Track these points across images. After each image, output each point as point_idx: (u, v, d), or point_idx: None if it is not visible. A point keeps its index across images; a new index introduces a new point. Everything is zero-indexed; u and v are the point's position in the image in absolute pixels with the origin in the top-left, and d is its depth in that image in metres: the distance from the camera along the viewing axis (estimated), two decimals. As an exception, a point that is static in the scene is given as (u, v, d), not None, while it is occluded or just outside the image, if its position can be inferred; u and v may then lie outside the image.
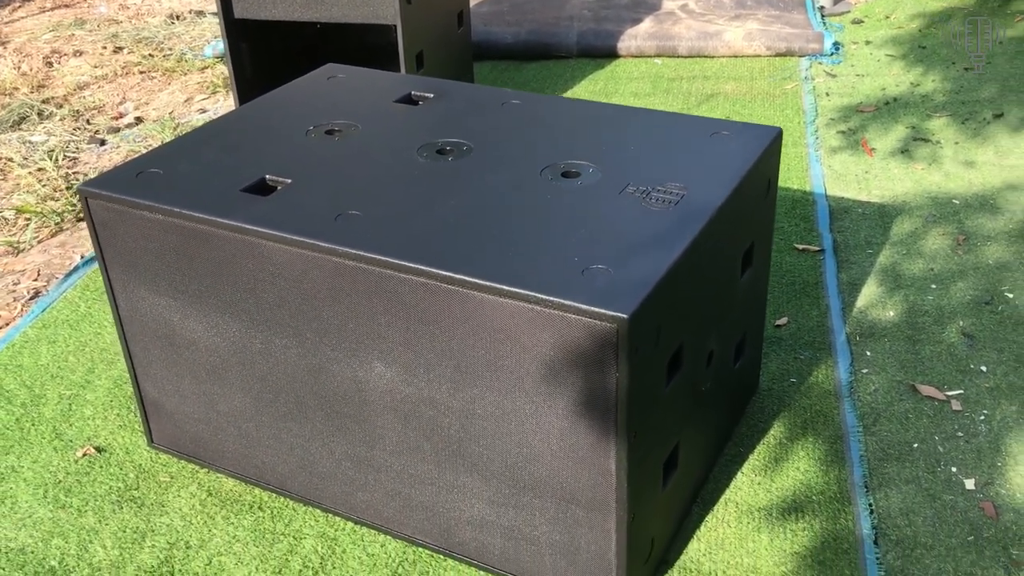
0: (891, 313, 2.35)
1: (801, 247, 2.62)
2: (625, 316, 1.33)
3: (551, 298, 1.38)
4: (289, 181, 1.74)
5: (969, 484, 1.85)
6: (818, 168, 3.06)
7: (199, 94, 4.13)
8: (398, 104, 2.06)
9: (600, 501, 1.51)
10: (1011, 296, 2.38)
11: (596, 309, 1.35)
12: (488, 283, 1.42)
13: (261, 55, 3.38)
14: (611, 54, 4.09)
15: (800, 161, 3.10)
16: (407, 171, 1.76)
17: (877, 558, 1.70)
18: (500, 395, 1.50)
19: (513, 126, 1.93)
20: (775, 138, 1.84)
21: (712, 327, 1.71)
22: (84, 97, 4.15)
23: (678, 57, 4.06)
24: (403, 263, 1.48)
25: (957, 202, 2.82)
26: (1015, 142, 3.15)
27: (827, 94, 3.63)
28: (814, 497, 1.84)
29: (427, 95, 2.08)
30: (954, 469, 1.89)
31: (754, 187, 1.78)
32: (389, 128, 1.95)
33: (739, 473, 1.90)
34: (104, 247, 1.79)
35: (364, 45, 3.63)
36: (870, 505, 1.81)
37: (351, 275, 1.54)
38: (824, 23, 4.28)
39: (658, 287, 1.41)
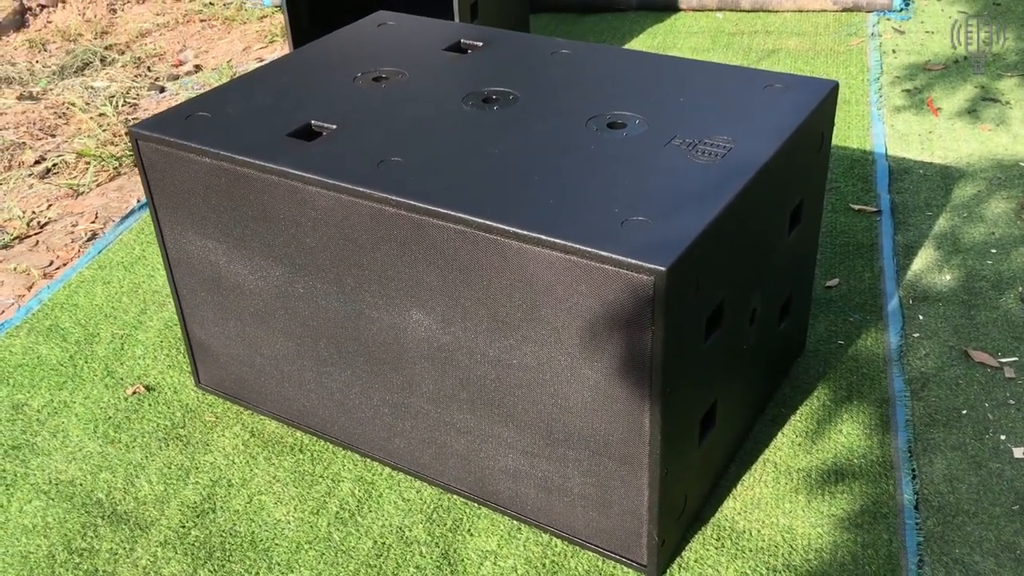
0: (947, 277, 2.29)
1: (857, 207, 2.56)
2: (662, 269, 1.31)
3: (588, 249, 1.36)
4: (334, 127, 1.74)
5: (1018, 453, 1.80)
6: (880, 127, 2.97)
7: (257, 43, 4.15)
8: (447, 52, 2.04)
9: (633, 456, 1.50)
10: (1075, 263, 2.31)
11: (633, 261, 1.33)
12: (526, 232, 1.41)
13: (317, 4, 3.38)
14: (671, 7, 4.01)
15: (861, 120, 3.01)
16: (451, 119, 1.75)
17: (917, 524, 1.67)
18: (536, 346, 1.50)
19: (561, 76, 1.90)
20: (830, 92, 1.79)
21: (756, 284, 1.68)
22: (146, 44, 4.21)
23: (740, 11, 3.96)
24: (442, 210, 1.47)
25: (1024, 165, 2.73)
26: (1090, 104, 3.03)
27: (893, 51, 3.51)
28: (856, 461, 1.81)
29: (476, 43, 2.06)
30: (1003, 437, 1.84)
31: (806, 142, 1.73)
32: (436, 76, 1.93)
33: (780, 434, 1.88)
34: (154, 189, 1.82)
35: (420, -5, 3.60)
36: (913, 471, 1.78)
37: (391, 221, 1.54)
38: (895, -22, 4.13)
39: (698, 241, 1.38)
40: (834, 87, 1.80)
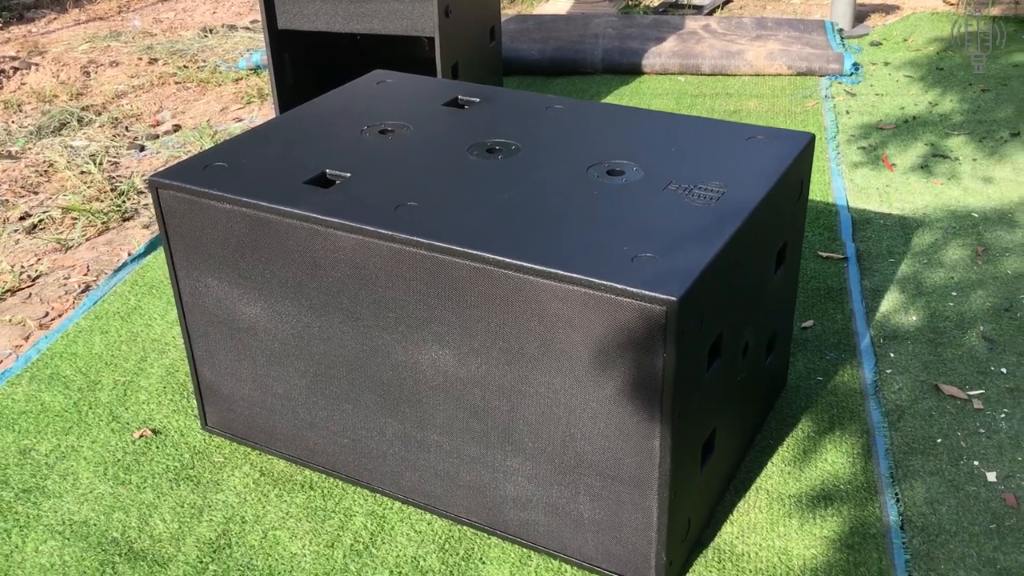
0: (913, 318, 2.44)
1: (825, 255, 2.72)
2: (674, 299, 1.42)
3: (604, 282, 1.47)
4: (348, 175, 1.84)
5: (991, 476, 1.93)
6: (840, 181, 3.15)
7: (234, 104, 4.25)
8: (446, 107, 2.16)
9: (643, 479, 1.59)
10: (1029, 304, 2.47)
11: (647, 292, 1.44)
12: (543, 268, 1.51)
13: (301, 66, 3.50)
14: (635, 71, 4.21)
15: (822, 175, 3.19)
16: (460, 168, 1.86)
17: (903, 543, 1.78)
18: (550, 376, 1.59)
19: (558, 128, 2.03)
20: (808, 143, 1.94)
21: (748, 320, 1.80)
22: (122, 105, 4.28)
23: (701, 75, 4.17)
24: (461, 249, 1.57)
25: (976, 215, 2.91)
26: (1032, 160, 3.25)
27: (847, 112, 3.73)
28: (842, 487, 1.92)
29: (473, 99, 2.19)
30: (976, 463, 1.97)
31: (788, 189, 1.87)
32: (439, 129, 2.05)
33: (769, 463, 1.98)
34: (171, 235, 1.89)
35: (399, 58, 3.74)
36: (896, 495, 1.89)
37: (411, 261, 1.63)
38: (843, 44, 4.39)
39: (703, 275, 1.50)
40: (811, 139, 1.95)
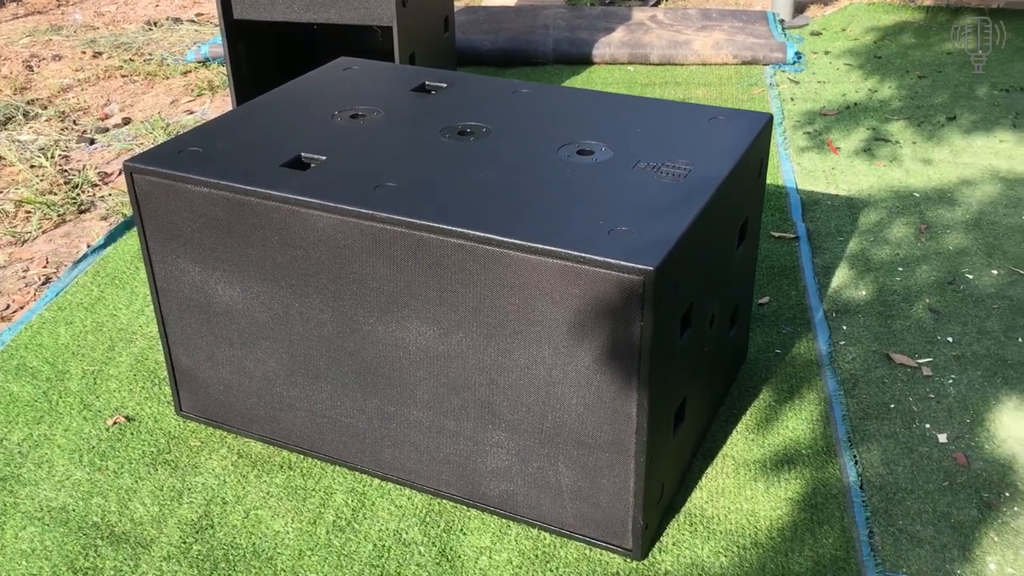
0: (863, 292, 2.54)
1: (777, 234, 2.81)
2: (651, 269, 1.49)
3: (583, 255, 1.53)
4: (324, 158, 1.87)
5: (942, 438, 2.03)
6: (788, 165, 3.26)
7: (184, 96, 4.22)
8: (414, 92, 2.20)
9: (621, 444, 1.66)
10: (971, 277, 2.59)
11: (625, 263, 1.50)
12: (523, 242, 1.57)
13: (256, 57, 3.50)
14: (586, 61, 4.28)
15: (771, 159, 3.30)
16: (434, 150, 1.91)
17: (863, 501, 1.87)
18: (530, 348, 1.64)
19: (526, 112, 2.08)
20: (766, 123, 2.02)
21: (714, 292, 1.87)
22: (68, 99, 4.22)
23: (650, 64, 4.26)
24: (443, 226, 1.62)
25: (918, 195, 3.04)
26: (967, 142, 3.39)
27: (792, 99, 3.84)
28: (803, 451, 2.00)
29: (440, 85, 2.23)
30: (928, 426, 2.07)
31: (749, 166, 1.95)
32: (410, 113, 2.09)
33: (734, 431, 2.06)
34: (146, 220, 1.90)
35: (353, 50, 3.76)
36: (854, 457, 1.98)
37: (391, 239, 1.67)
38: (785, 34, 4.51)
39: (677, 246, 1.56)
40: (769, 119, 2.04)
